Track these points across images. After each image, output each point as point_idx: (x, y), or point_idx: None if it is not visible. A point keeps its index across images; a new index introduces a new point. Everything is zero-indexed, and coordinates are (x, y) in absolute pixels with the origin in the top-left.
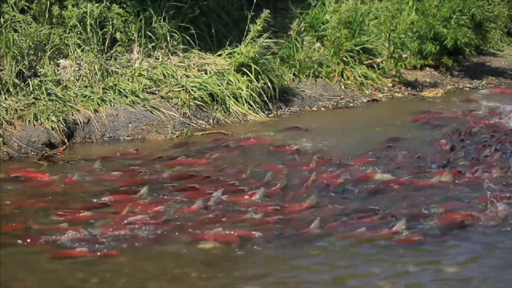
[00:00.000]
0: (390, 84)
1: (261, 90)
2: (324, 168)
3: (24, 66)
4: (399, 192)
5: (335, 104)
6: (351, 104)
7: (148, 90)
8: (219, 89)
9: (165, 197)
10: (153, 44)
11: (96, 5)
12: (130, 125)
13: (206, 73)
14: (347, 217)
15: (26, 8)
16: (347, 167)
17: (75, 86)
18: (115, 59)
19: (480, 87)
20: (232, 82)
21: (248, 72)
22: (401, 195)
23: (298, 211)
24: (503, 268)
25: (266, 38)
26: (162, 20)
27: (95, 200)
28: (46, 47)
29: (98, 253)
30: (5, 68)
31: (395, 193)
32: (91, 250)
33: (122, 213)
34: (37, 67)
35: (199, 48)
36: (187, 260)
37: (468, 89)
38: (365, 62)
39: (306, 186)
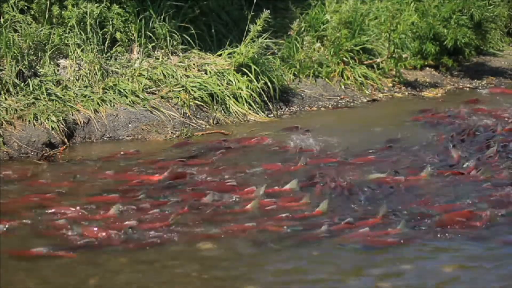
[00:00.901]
0: (390, 84)
1: (261, 90)
2: (324, 168)
3: (24, 66)
4: (399, 192)
5: (335, 104)
6: (351, 104)
7: (148, 90)
8: (219, 89)
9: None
10: (153, 44)
11: (96, 5)
12: (130, 125)
13: (206, 73)
14: (350, 218)
15: (26, 8)
16: (347, 166)
17: (75, 86)
18: (115, 59)
19: (480, 87)
20: (232, 82)
21: (248, 72)
22: (401, 195)
23: (295, 209)
24: (502, 268)
25: (266, 38)
26: (162, 20)
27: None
28: (46, 47)
29: (57, 254)
30: (5, 68)
31: (395, 193)
32: (48, 251)
33: (109, 213)
34: (37, 67)
35: (199, 48)
36: (187, 260)
37: (468, 89)
38: (365, 62)
39: (324, 187)
